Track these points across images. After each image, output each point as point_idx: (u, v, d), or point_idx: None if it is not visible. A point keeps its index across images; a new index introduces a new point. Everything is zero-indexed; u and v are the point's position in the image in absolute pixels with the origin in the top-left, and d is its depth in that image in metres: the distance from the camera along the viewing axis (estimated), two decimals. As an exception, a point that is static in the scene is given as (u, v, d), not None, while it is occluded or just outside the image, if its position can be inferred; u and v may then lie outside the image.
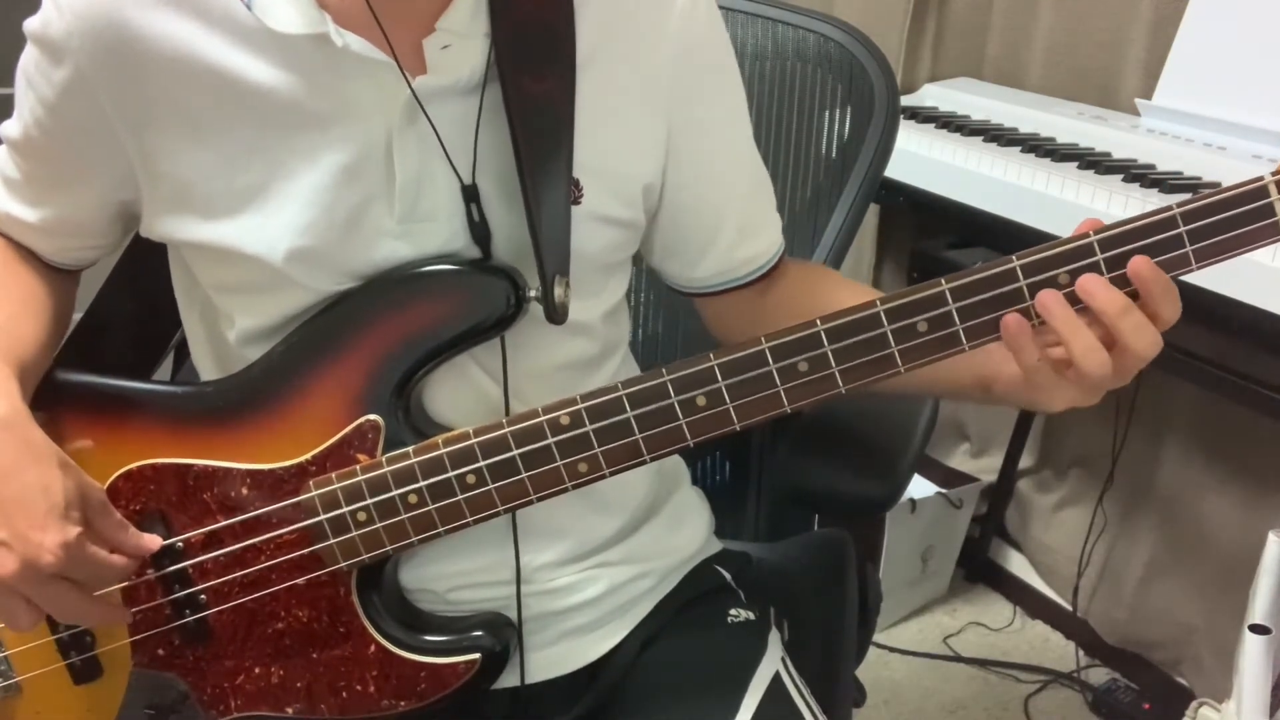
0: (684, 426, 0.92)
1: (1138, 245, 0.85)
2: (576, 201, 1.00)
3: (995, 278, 0.87)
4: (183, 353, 1.24)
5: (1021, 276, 0.86)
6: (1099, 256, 0.85)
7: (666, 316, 1.54)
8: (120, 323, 1.20)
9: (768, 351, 0.90)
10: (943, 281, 0.87)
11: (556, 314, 0.97)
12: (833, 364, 0.90)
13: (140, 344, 1.22)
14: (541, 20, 0.98)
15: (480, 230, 0.98)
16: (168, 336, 1.23)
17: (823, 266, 1.21)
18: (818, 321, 0.89)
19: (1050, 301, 0.86)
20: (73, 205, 1.04)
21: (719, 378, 0.91)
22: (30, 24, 0.96)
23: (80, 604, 0.96)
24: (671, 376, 0.91)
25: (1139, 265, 0.85)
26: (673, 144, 1.06)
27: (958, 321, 0.87)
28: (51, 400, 1.03)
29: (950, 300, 0.87)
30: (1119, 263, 0.85)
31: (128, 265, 1.18)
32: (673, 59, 1.03)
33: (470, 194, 0.97)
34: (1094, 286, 0.85)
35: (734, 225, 1.12)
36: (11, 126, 1.03)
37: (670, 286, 1.19)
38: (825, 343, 0.89)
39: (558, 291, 0.96)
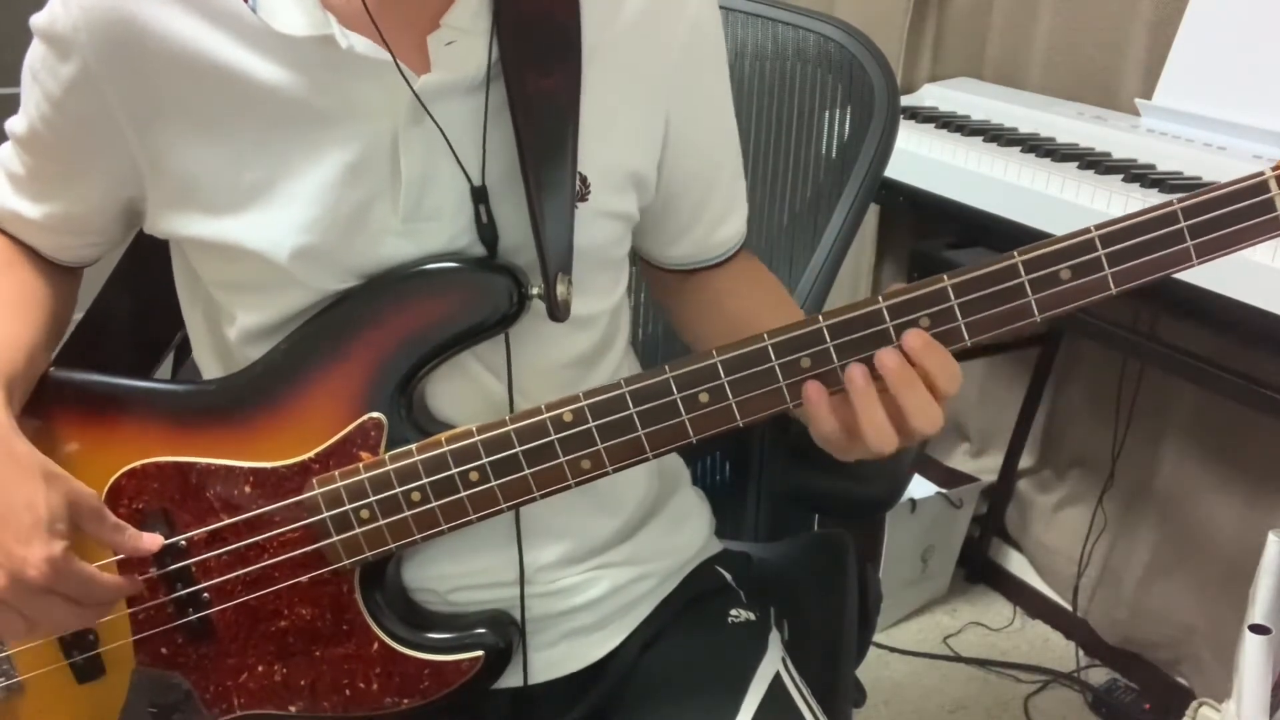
0: (687, 423, 0.92)
1: (1134, 242, 0.85)
2: (584, 198, 1.00)
3: (997, 274, 0.87)
4: (183, 352, 1.24)
5: (1023, 272, 0.86)
6: (1100, 252, 0.85)
7: (665, 318, 1.53)
8: (121, 321, 1.20)
9: (770, 348, 0.90)
10: (945, 278, 0.87)
11: (558, 312, 0.97)
12: (835, 359, 0.90)
13: (141, 343, 1.23)
14: (546, 15, 0.98)
15: (488, 232, 0.98)
16: (169, 335, 1.23)
17: (763, 267, 1.24)
18: (820, 318, 0.89)
19: (856, 374, 0.88)
20: (77, 201, 1.04)
21: (721, 374, 0.91)
22: (37, 19, 0.96)
23: (71, 618, 0.96)
24: (674, 373, 0.91)
25: (911, 339, 0.87)
26: (670, 133, 1.07)
27: (959, 317, 0.88)
28: (54, 399, 1.03)
29: (953, 296, 0.87)
30: (1119, 259, 0.86)
31: (129, 264, 1.19)
32: (681, 51, 1.04)
33: (479, 195, 0.97)
34: (889, 360, 0.87)
35: (715, 211, 1.14)
36: (17, 122, 1.03)
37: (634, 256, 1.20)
38: (828, 339, 0.89)
39: (560, 289, 0.97)
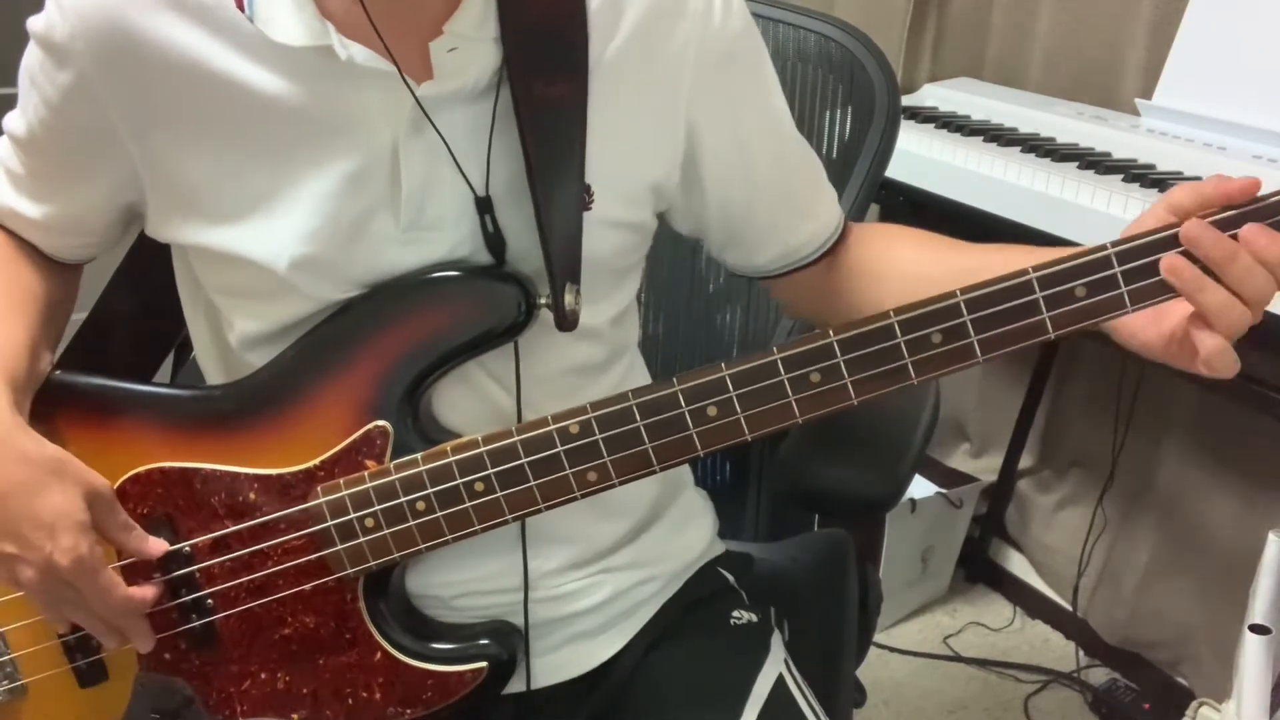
0: (694, 436, 0.92)
1: (1149, 260, 0.85)
2: (587, 208, 0.99)
3: (1011, 290, 0.86)
4: (182, 353, 1.23)
5: (1037, 288, 0.86)
6: (1116, 269, 0.85)
7: (667, 318, 1.53)
8: (124, 321, 1.20)
9: (779, 362, 0.90)
10: (958, 293, 0.87)
11: (566, 321, 0.97)
12: (845, 375, 0.89)
13: (143, 344, 1.22)
14: (552, 24, 0.97)
15: (495, 241, 0.98)
16: (171, 337, 1.23)
17: (884, 226, 1.22)
18: (830, 332, 0.89)
19: (1177, 264, 0.85)
20: (76, 204, 1.04)
21: (730, 388, 0.90)
22: (33, 24, 0.95)
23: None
24: (682, 386, 0.91)
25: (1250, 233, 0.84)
26: (699, 142, 1.05)
27: (972, 334, 0.87)
28: (60, 402, 1.03)
29: (965, 312, 0.87)
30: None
31: (131, 265, 1.18)
32: (694, 58, 1.02)
33: (484, 206, 0.97)
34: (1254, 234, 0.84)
35: (788, 211, 1.12)
36: (16, 122, 1.03)
37: (732, 273, 1.20)
38: (838, 353, 0.89)
39: (568, 299, 0.96)
